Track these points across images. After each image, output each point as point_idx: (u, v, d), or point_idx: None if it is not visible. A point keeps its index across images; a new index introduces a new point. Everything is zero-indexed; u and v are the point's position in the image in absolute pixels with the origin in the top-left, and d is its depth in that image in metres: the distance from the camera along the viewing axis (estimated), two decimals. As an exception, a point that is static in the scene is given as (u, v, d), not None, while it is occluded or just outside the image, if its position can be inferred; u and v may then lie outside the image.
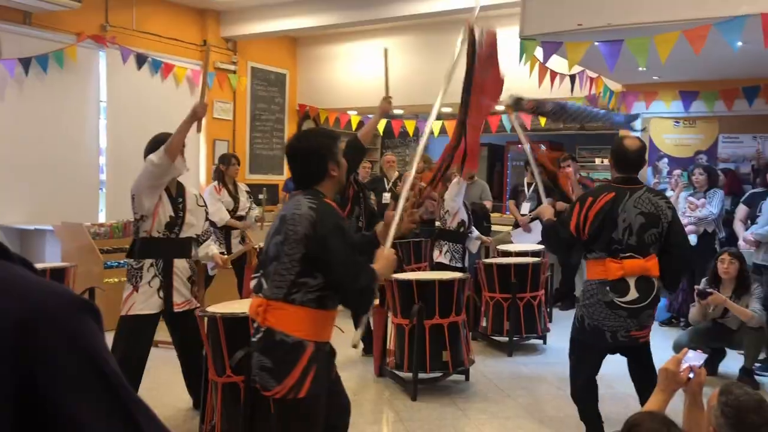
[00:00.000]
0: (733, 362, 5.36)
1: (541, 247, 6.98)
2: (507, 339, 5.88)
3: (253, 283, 2.62)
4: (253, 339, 2.54)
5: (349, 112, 9.46)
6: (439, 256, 6.13)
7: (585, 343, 3.61)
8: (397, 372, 4.91)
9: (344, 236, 2.53)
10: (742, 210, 5.87)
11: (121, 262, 5.46)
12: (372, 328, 5.33)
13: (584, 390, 3.68)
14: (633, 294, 3.46)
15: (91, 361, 0.74)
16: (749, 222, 5.75)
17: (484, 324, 6.18)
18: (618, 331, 3.49)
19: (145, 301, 3.78)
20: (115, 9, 7.52)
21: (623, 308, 3.46)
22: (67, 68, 7.05)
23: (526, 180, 7.89)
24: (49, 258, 6.53)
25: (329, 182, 2.64)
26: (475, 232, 6.33)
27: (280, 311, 2.46)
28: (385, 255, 2.72)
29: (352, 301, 2.60)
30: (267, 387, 2.48)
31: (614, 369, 4.08)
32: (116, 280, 6.17)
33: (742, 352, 5.21)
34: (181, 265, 3.92)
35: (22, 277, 0.75)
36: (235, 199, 6.26)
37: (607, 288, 3.47)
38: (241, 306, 3.51)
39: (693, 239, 6.58)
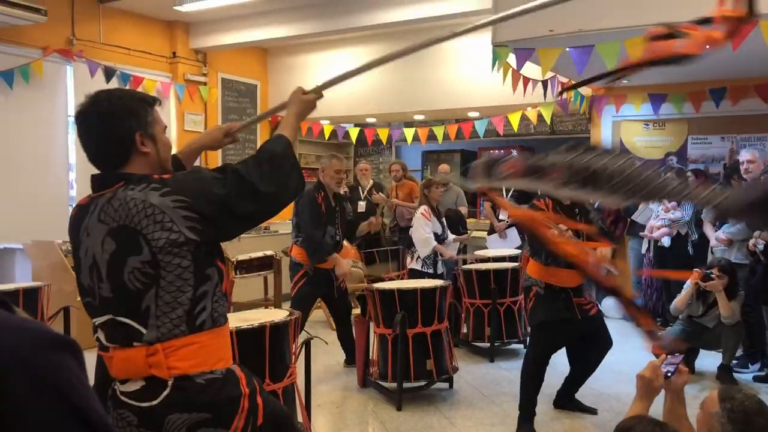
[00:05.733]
0: (707, 360, 5.45)
1: (519, 251, 7.04)
2: (488, 345, 5.89)
3: (100, 336, 1.87)
4: (151, 403, 1.77)
5: (321, 122, 9.42)
6: (411, 262, 6.12)
7: None
8: (380, 382, 4.88)
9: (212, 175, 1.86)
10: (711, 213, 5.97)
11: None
12: (354, 338, 5.30)
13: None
14: None
15: (67, 404, 0.70)
16: (718, 224, 5.85)
17: (464, 330, 6.19)
18: None
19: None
20: (81, 22, 7.40)
21: None
22: (33, 83, 6.91)
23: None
24: (20, 278, 6.37)
25: (141, 162, 1.88)
26: (450, 236, 6.31)
27: (188, 348, 1.79)
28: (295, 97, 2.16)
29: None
30: None
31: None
32: (90, 298, 6.03)
33: (718, 351, 5.30)
34: None
35: None
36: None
37: None
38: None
39: (666, 241, 6.68)
